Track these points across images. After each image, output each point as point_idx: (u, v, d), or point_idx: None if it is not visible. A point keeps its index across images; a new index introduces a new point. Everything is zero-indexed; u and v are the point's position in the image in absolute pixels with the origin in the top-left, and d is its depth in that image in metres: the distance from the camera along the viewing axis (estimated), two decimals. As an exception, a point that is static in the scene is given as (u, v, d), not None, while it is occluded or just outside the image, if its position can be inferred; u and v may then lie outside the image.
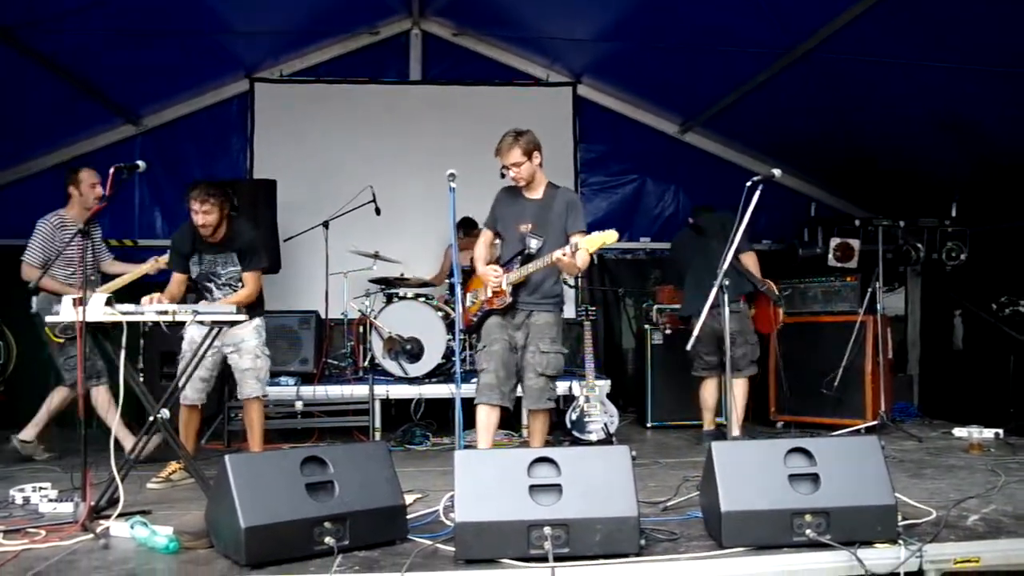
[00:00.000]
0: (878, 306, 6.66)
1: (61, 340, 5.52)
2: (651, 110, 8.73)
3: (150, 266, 5.64)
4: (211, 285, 5.12)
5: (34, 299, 5.66)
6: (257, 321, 5.17)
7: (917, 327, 8.56)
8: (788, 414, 6.96)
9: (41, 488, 4.42)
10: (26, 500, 4.36)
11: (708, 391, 6.26)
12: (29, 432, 5.90)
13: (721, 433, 6.17)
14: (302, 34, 8.07)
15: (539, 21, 7.84)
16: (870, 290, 6.64)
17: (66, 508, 4.12)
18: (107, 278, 5.85)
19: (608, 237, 4.34)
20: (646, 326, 7.32)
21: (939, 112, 6.29)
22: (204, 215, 4.91)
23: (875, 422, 6.48)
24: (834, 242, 7.39)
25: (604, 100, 8.76)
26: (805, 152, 8.08)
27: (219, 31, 7.26)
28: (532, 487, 3.33)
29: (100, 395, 5.64)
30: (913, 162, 7.19)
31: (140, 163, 4.36)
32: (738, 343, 5.81)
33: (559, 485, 3.34)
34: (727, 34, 6.42)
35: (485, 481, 3.35)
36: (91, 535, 3.66)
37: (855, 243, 7.37)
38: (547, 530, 3.23)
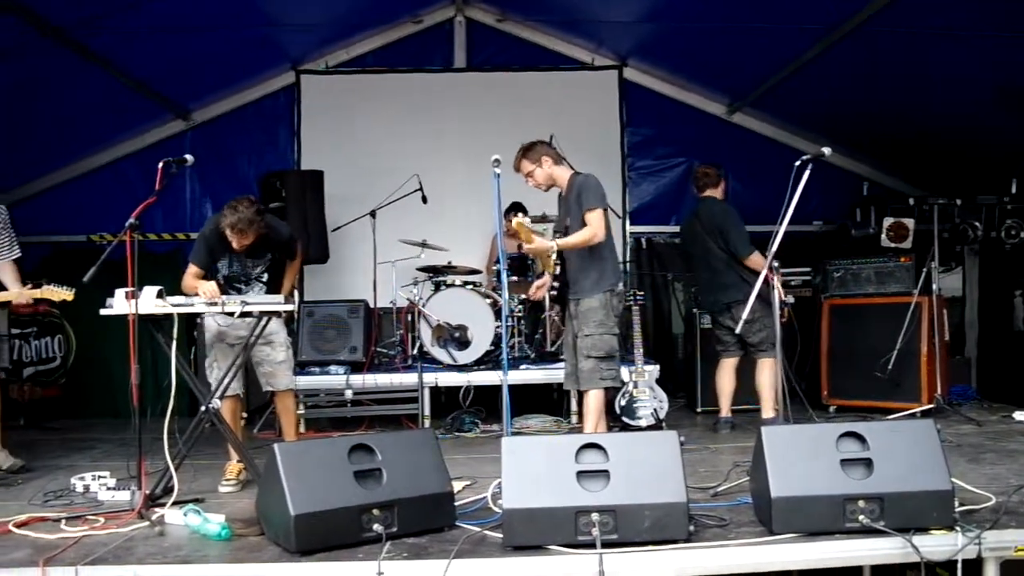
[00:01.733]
0: (933, 287, 6.50)
1: None
2: (698, 91, 8.62)
3: (15, 294, 5.17)
4: (240, 285, 4.99)
5: None
6: (284, 314, 4.90)
7: (975, 308, 8.35)
8: (841, 398, 6.84)
9: (100, 477, 4.54)
10: (86, 488, 4.49)
11: (725, 376, 6.26)
12: None
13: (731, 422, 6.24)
14: (347, 25, 8.09)
15: (583, 4, 7.78)
16: (925, 270, 6.48)
17: (123, 496, 4.22)
18: None
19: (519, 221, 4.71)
20: (695, 310, 7.24)
21: (1000, 84, 6.09)
22: (240, 241, 4.70)
23: (931, 405, 6.33)
24: (887, 222, 7.23)
25: (650, 83, 8.67)
26: (857, 130, 7.90)
27: (265, 24, 7.32)
28: (580, 473, 3.33)
29: None
30: (971, 138, 6.98)
31: (188, 156, 4.42)
32: (755, 329, 5.87)
33: (607, 471, 3.33)
34: (774, 10, 6.28)
35: (532, 467, 3.35)
36: (147, 522, 3.75)
37: (909, 222, 7.21)
38: (595, 516, 3.23)
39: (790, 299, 6.10)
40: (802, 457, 3.41)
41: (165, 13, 6.19)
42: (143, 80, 7.21)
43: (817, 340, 7.02)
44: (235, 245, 4.71)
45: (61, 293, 4.96)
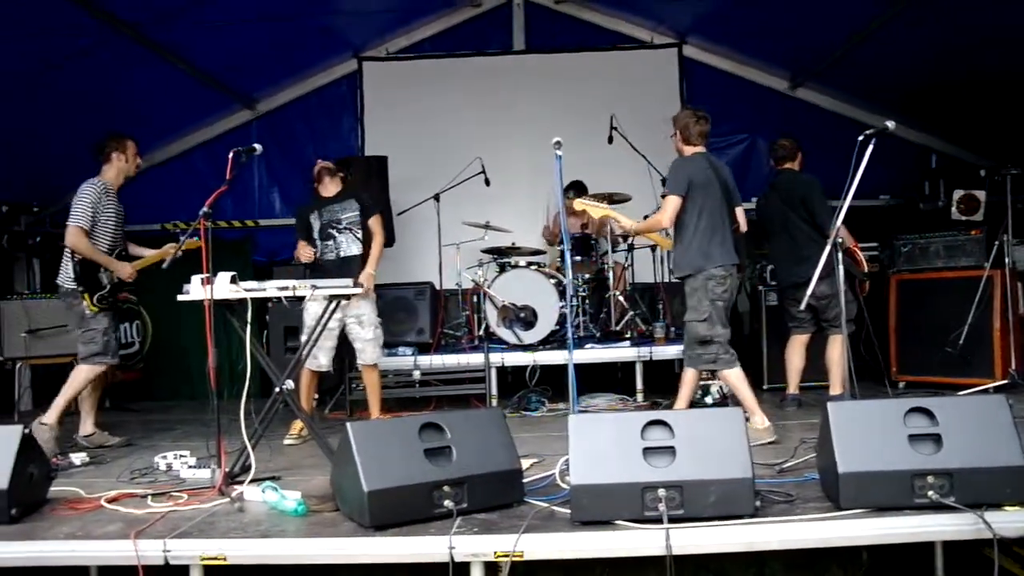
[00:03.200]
0: (1006, 260, 6.35)
1: (96, 310, 5.36)
2: (760, 67, 8.54)
3: (163, 252, 5.55)
4: (334, 232, 5.74)
5: (72, 265, 5.35)
6: (372, 294, 5.74)
7: (1053, 281, 8.11)
8: (911, 374, 6.73)
9: (181, 455, 4.73)
10: (169, 466, 4.68)
11: (795, 353, 6.19)
12: (51, 415, 5.30)
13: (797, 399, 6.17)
14: (406, 11, 8.22)
15: (642, -18, 7.77)
16: (997, 243, 6.32)
17: (203, 474, 4.41)
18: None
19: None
20: (760, 288, 7.20)
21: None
22: (324, 172, 5.80)
23: (1005, 381, 6.20)
24: (957, 194, 7.05)
25: (711, 59, 8.62)
26: (925, 101, 7.71)
27: (327, 14, 7.47)
28: (646, 450, 3.36)
29: (87, 372, 5.41)
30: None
31: (257, 146, 4.55)
32: (833, 304, 5.74)
33: (672, 447, 3.36)
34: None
35: (599, 444, 3.40)
36: (227, 499, 3.91)
37: (980, 195, 7.03)
38: (661, 492, 3.26)
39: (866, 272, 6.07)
40: (869, 433, 3.39)
41: (231, 7, 6.36)
42: (211, 72, 7.44)
43: (885, 316, 6.91)
44: (316, 168, 5.77)
45: (194, 242, 4.91)
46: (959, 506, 3.20)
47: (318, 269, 5.72)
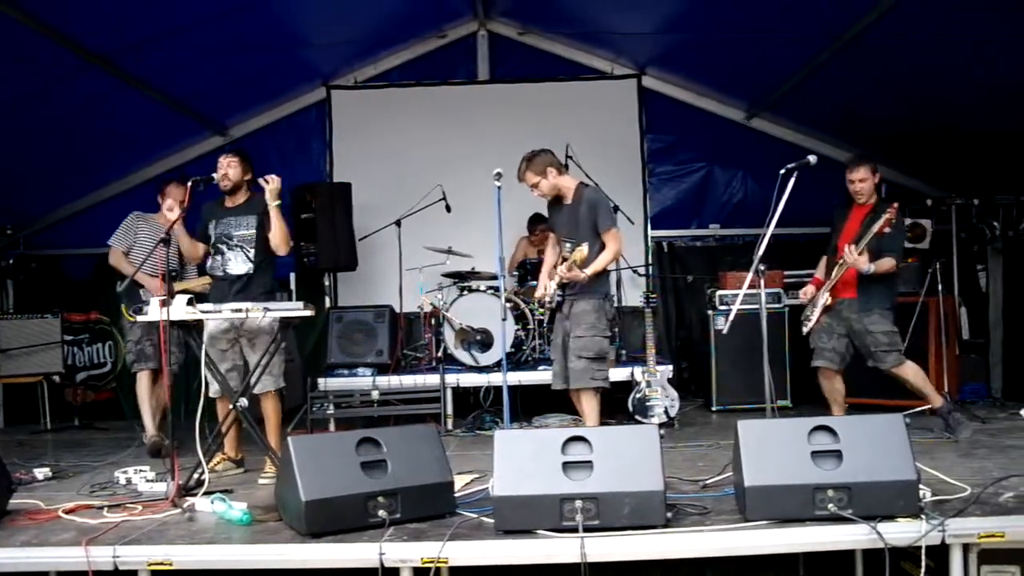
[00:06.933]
0: (938, 286, 6.63)
1: (133, 319, 5.29)
2: (717, 98, 8.80)
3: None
4: (223, 247, 5.29)
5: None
6: (275, 323, 5.05)
7: (1000, 307, 8.37)
8: (854, 396, 6.91)
9: (141, 471, 4.94)
10: (128, 481, 4.89)
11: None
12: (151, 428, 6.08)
13: None
14: (374, 42, 8.44)
15: (602, 16, 8.00)
16: (931, 271, 6.61)
17: (161, 488, 4.61)
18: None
19: (582, 251, 5.07)
20: (708, 312, 7.46)
21: (1012, 83, 6.13)
22: (226, 167, 5.23)
23: (939, 403, 6.45)
24: (905, 223, 7.34)
25: (669, 90, 8.87)
26: (874, 131, 7.98)
27: (297, 45, 7.71)
28: (565, 464, 3.61)
29: (142, 379, 6.08)
30: (988, 137, 7.03)
31: (214, 175, 4.81)
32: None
33: (590, 462, 3.60)
34: (789, 16, 6.41)
35: (522, 458, 3.65)
36: (179, 510, 4.13)
37: (927, 223, 7.31)
38: (578, 503, 3.51)
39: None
40: (775, 449, 3.65)
41: (203, 38, 6.57)
42: (183, 100, 7.64)
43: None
44: (220, 172, 5.18)
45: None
46: (855, 518, 3.45)
47: None
